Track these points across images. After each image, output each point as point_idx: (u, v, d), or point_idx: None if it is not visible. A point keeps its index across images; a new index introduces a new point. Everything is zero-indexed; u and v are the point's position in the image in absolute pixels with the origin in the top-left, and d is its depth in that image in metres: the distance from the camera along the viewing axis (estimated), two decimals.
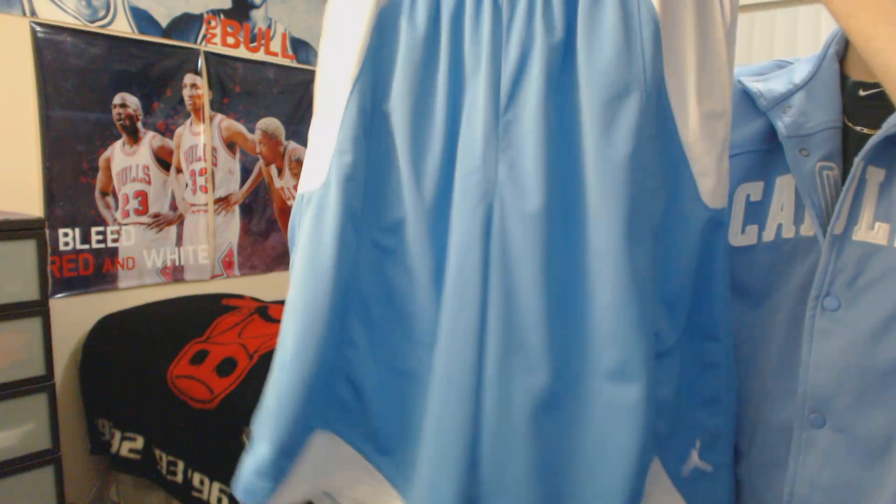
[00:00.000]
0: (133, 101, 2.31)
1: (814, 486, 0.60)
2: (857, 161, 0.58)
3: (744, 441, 0.66)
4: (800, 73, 0.67)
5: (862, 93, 0.62)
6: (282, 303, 2.44)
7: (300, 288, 0.59)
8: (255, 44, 2.69)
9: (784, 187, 0.63)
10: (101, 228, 2.26)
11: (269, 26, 2.74)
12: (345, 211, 0.58)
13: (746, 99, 0.69)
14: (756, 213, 0.65)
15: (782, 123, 0.63)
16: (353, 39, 0.58)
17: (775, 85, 0.67)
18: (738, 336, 0.65)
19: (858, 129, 0.61)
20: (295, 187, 2.88)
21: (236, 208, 2.68)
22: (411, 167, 0.58)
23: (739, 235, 0.66)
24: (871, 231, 0.57)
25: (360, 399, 0.62)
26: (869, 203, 0.58)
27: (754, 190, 0.66)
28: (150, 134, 2.37)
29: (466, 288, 0.56)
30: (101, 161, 2.25)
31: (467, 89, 0.57)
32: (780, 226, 0.63)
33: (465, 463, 0.56)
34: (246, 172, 2.70)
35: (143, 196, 2.37)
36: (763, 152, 0.65)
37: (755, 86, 0.68)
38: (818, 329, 0.60)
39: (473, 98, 0.56)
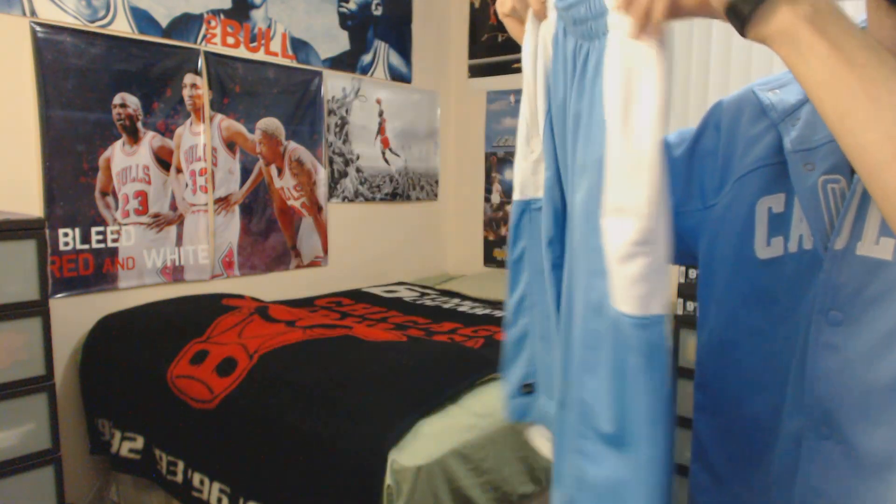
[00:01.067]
0: (133, 101, 2.31)
1: (818, 497, 0.60)
2: (857, 175, 0.56)
3: (765, 449, 0.65)
4: None
5: None
6: (282, 303, 2.41)
7: None
8: (255, 44, 2.69)
9: None
10: (101, 228, 2.26)
11: (269, 26, 2.74)
12: None
13: (761, 111, 0.68)
14: (780, 224, 0.64)
15: (788, 138, 0.62)
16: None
17: (787, 95, 0.66)
18: (772, 347, 0.64)
19: None
20: (295, 187, 2.88)
21: (236, 208, 2.67)
22: None
23: (765, 248, 0.65)
24: (875, 246, 0.56)
25: None
26: (874, 217, 0.56)
27: (776, 202, 0.64)
28: (150, 134, 2.37)
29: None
30: (101, 161, 2.25)
31: None
32: (801, 237, 0.62)
33: None
34: (246, 172, 2.69)
35: (143, 196, 2.37)
36: (780, 164, 0.64)
37: (767, 97, 0.67)
38: (823, 342, 0.59)
39: None
